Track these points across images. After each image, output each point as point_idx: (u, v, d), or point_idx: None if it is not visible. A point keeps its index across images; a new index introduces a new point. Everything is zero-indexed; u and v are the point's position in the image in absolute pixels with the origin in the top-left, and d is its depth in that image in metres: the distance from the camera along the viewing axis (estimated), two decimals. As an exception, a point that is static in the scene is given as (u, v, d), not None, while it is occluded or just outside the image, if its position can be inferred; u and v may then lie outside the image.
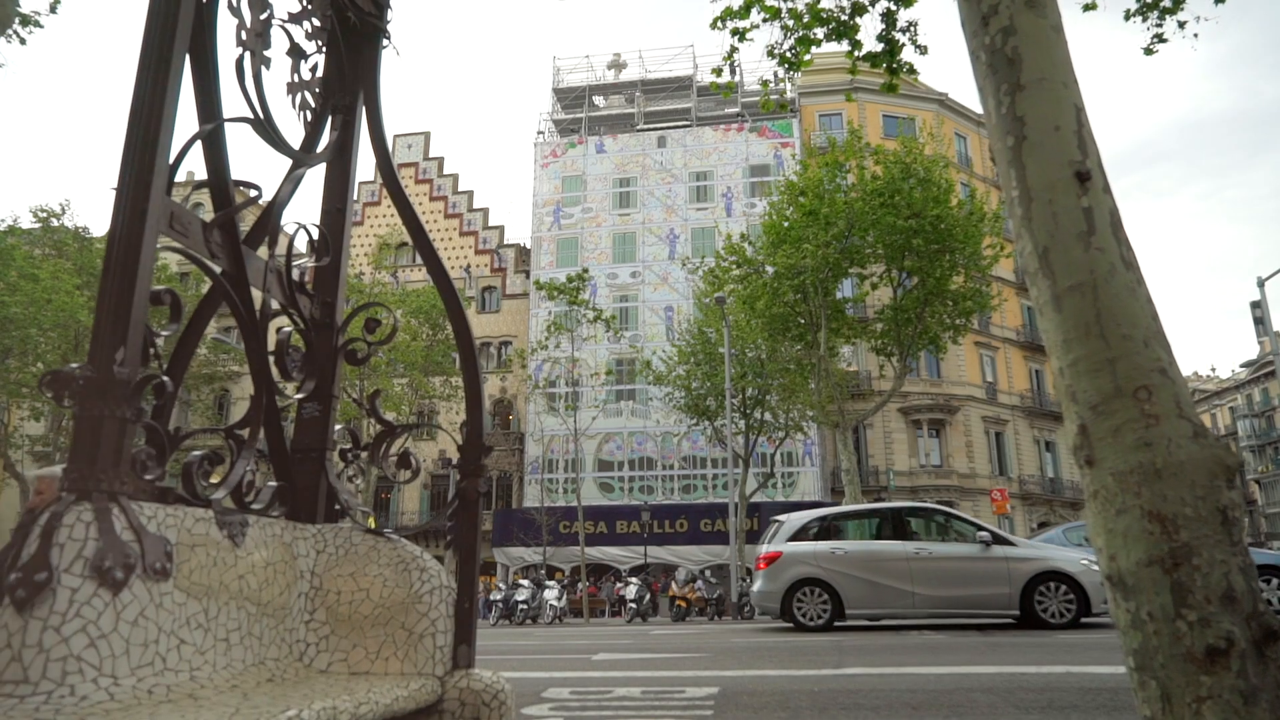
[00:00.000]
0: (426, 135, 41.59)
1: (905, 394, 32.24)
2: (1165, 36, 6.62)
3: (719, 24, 6.65)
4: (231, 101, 2.00)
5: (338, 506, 2.19)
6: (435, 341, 29.82)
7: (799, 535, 10.85)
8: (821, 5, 6.39)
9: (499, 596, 22.39)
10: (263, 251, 2.13)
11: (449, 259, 38.45)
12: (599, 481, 34.34)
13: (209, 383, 35.37)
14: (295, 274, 2.21)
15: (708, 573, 24.61)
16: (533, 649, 9.67)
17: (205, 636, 1.62)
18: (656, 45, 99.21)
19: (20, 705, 1.25)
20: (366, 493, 28.71)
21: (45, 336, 26.13)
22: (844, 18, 6.39)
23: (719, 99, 39.01)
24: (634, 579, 23.17)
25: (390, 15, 2.53)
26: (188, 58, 1.77)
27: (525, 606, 21.50)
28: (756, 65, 41.68)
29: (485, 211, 40.32)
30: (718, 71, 7.39)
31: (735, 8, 6.55)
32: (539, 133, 40.56)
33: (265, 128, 2.07)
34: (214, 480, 1.79)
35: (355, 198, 2.58)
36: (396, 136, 40.21)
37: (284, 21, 2.18)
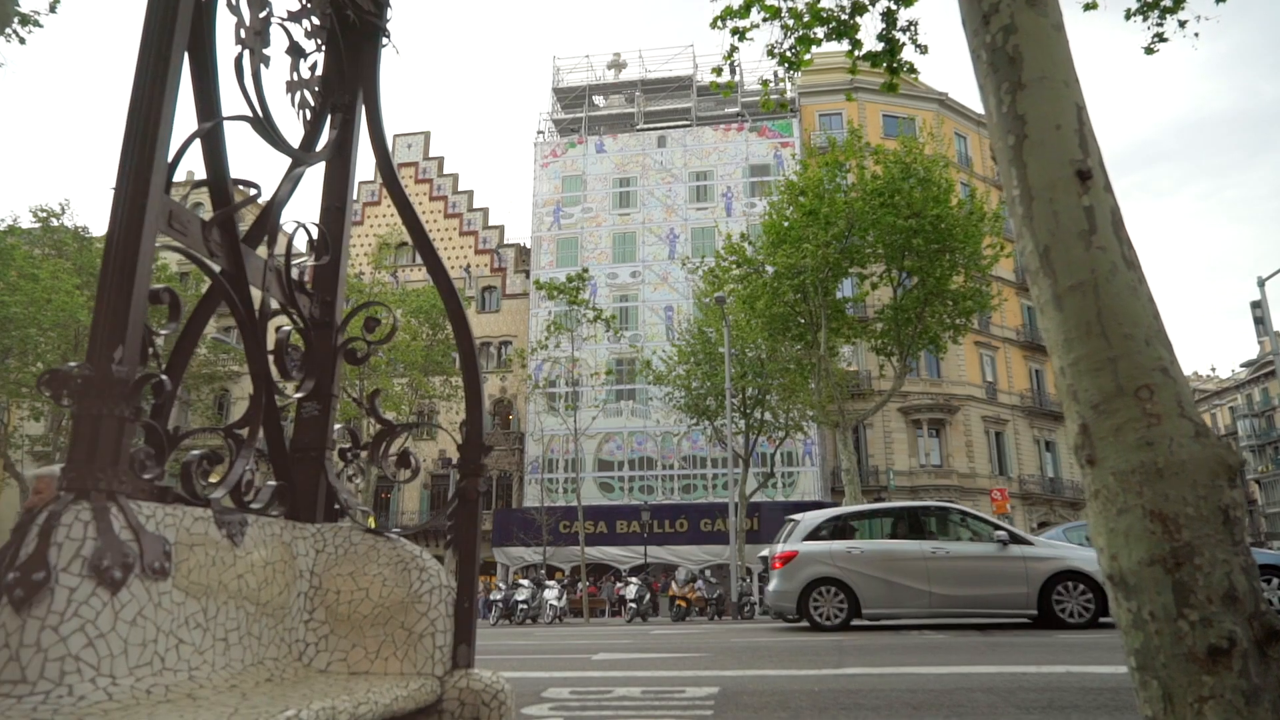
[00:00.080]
0: (426, 135, 41.59)
1: (905, 394, 32.24)
2: (1166, 36, 6.62)
3: (719, 23, 6.64)
4: (231, 100, 2.00)
5: (337, 506, 2.19)
6: (435, 341, 29.82)
7: (814, 535, 10.81)
8: (821, 4, 6.39)
9: (499, 596, 22.38)
10: (262, 250, 2.12)
11: (449, 259, 38.45)
12: (599, 481, 34.33)
13: (209, 382, 35.36)
14: (295, 273, 2.20)
15: (708, 573, 24.60)
16: (533, 649, 9.66)
17: (204, 636, 1.61)
18: (656, 45, 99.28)
19: (18, 705, 1.24)
20: (366, 492, 28.70)
21: (45, 336, 26.13)
22: (844, 17, 6.39)
23: (719, 99, 39.00)
24: (634, 579, 23.16)
25: (390, 14, 2.52)
26: (187, 56, 1.76)
27: (525, 606, 21.50)
28: (756, 65, 41.74)
29: (485, 211, 40.32)
30: (718, 71, 7.38)
31: (735, 7, 6.54)
32: (539, 132, 40.57)
33: (264, 126, 2.06)
34: (213, 480, 1.79)
35: (355, 197, 2.58)
36: (396, 136, 40.21)
37: (283, 20, 2.18)
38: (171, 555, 1.53)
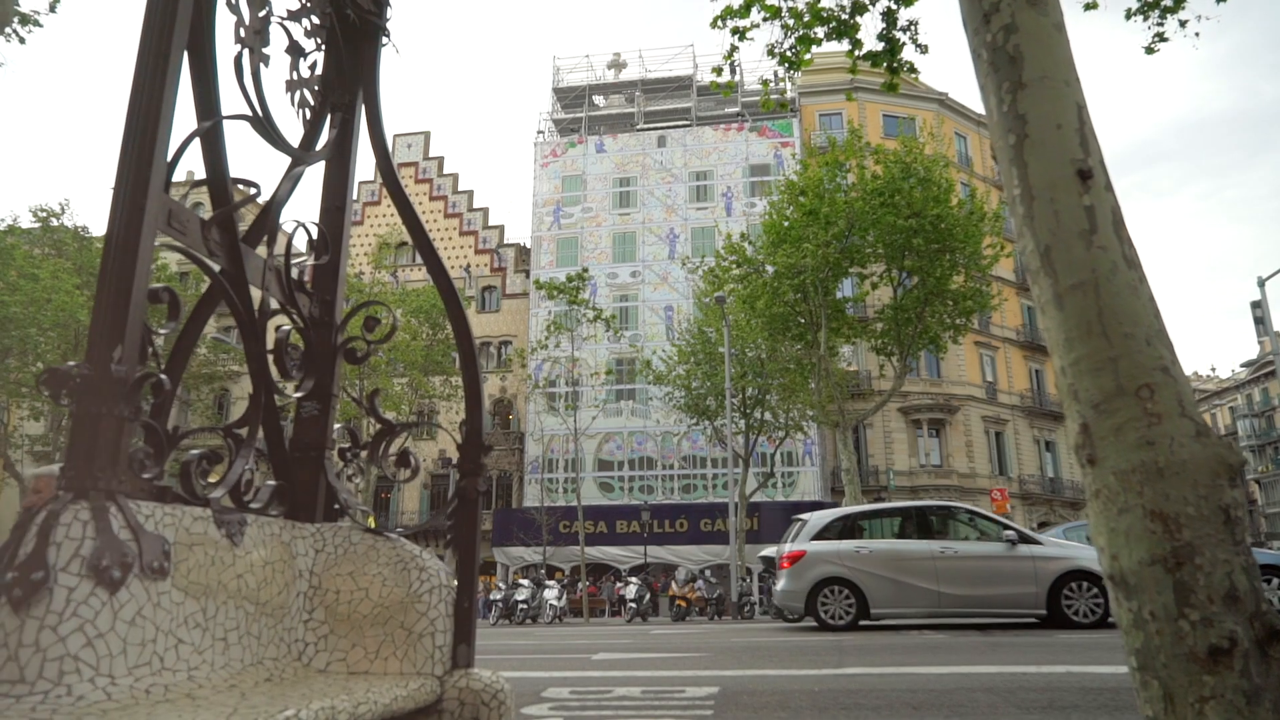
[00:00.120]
0: (426, 135, 41.59)
1: (905, 394, 32.24)
2: (1166, 35, 6.62)
3: (719, 23, 6.64)
4: (230, 99, 1.99)
5: (337, 505, 2.18)
6: (435, 341, 29.83)
7: (822, 534, 10.79)
8: (822, 4, 6.38)
9: (499, 596, 22.39)
10: (262, 250, 2.12)
11: (449, 259, 38.44)
12: (599, 481, 34.33)
13: (209, 382, 35.35)
14: (294, 272, 2.20)
15: (708, 572, 24.61)
16: (532, 649, 9.66)
17: (203, 636, 1.61)
18: (656, 45, 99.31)
19: (16, 705, 1.24)
20: (366, 492, 28.71)
21: (45, 336, 26.13)
22: (844, 17, 6.39)
23: (719, 99, 39.01)
24: (634, 579, 23.16)
25: (390, 13, 2.52)
26: (186, 55, 1.76)
27: (525, 606, 21.50)
28: (757, 65, 41.70)
29: (485, 211, 40.32)
30: (718, 71, 7.38)
31: (735, 6, 6.54)
32: (539, 132, 40.57)
33: (264, 125, 2.06)
34: (213, 479, 1.79)
35: (355, 197, 2.57)
36: (396, 136, 40.21)
37: (283, 19, 2.18)
38: (170, 555, 1.53)
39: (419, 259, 31.93)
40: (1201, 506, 1.69)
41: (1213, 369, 77.66)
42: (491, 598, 22.72)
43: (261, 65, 2.03)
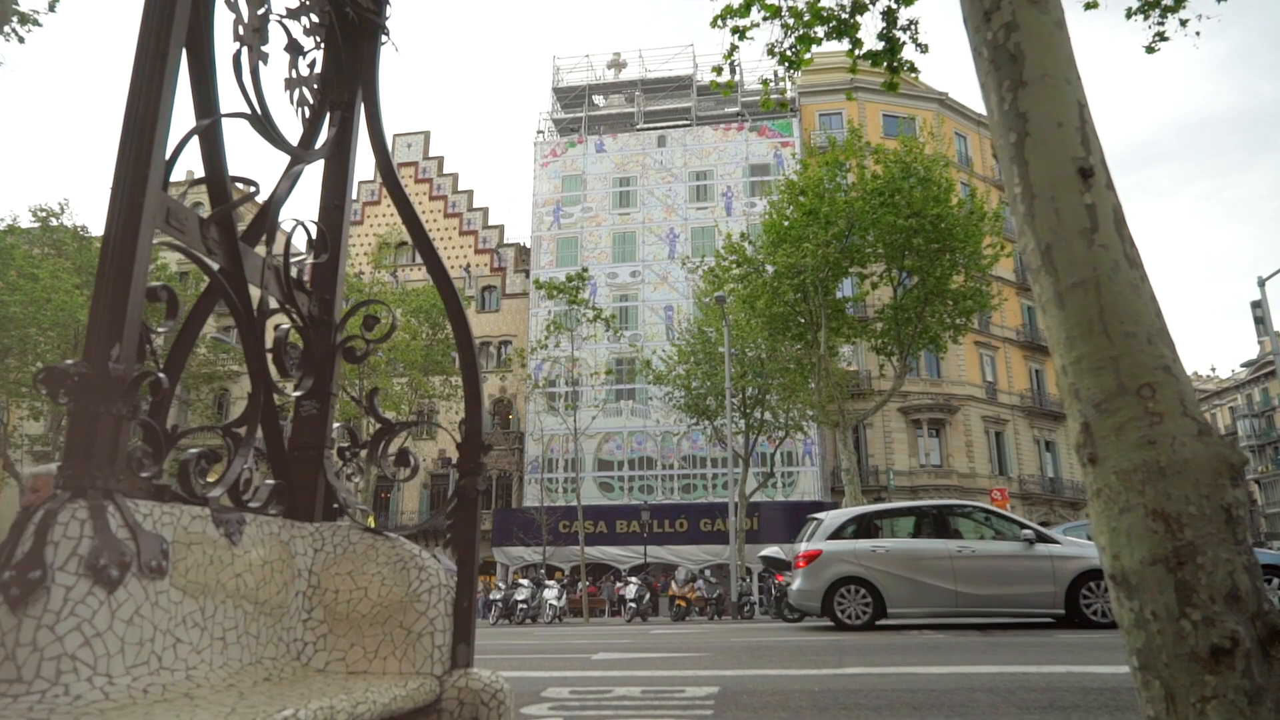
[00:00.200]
0: (426, 134, 41.58)
1: (905, 394, 32.23)
2: (1167, 35, 6.62)
3: (719, 22, 6.64)
4: (229, 97, 1.99)
5: (336, 505, 2.18)
6: (435, 341, 29.83)
7: (838, 533, 10.74)
8: (822, 4, 6.38)
9: (499, 596, 22.39)
10: (261, 248, 2.11)
11: (449, 258, 38.43)
12: (599, 481, 34.32)
13: (208, 382, 35.36)
14: (293, 271, 2.19)
15: (708, 572, 24.61)
16: (532, 648, 9.66)
17: (201, 635, 1.60)
18: (656, 45, 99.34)
19: (14, 704, 1.23)
20: (366, 491, 28.71)
21: (44, 336, 26.13)
22: (844, 16, 6.38)
23: (719, 98, 39.00)
24: (634, 579, 23.16)
25: (389, 12, 2.51)
26: (185, 52, 1.75)
27: (525, 606, 21.49)
28: (757, 64, 41.69)
29: (485, 211, 40.32)
30: (718, 70, 7.37)
31: (735, 6, 6.53)
32: (539, 132, 40.57)
33: (263, 124, 2.05)
34: (211, 478, 1.78)
35: (354, 196, 2.57)
36: (396, 136, 40.21)
37: (282, 17, 2.17)
38: (169, 554, 1.52)
39: (419, 258, 31.90)
40: (1203, 506, 1.68)
41: (1213, 369, 77.69)
42: (491, 598, 22.72)
43: (260, 63, 2.02)
